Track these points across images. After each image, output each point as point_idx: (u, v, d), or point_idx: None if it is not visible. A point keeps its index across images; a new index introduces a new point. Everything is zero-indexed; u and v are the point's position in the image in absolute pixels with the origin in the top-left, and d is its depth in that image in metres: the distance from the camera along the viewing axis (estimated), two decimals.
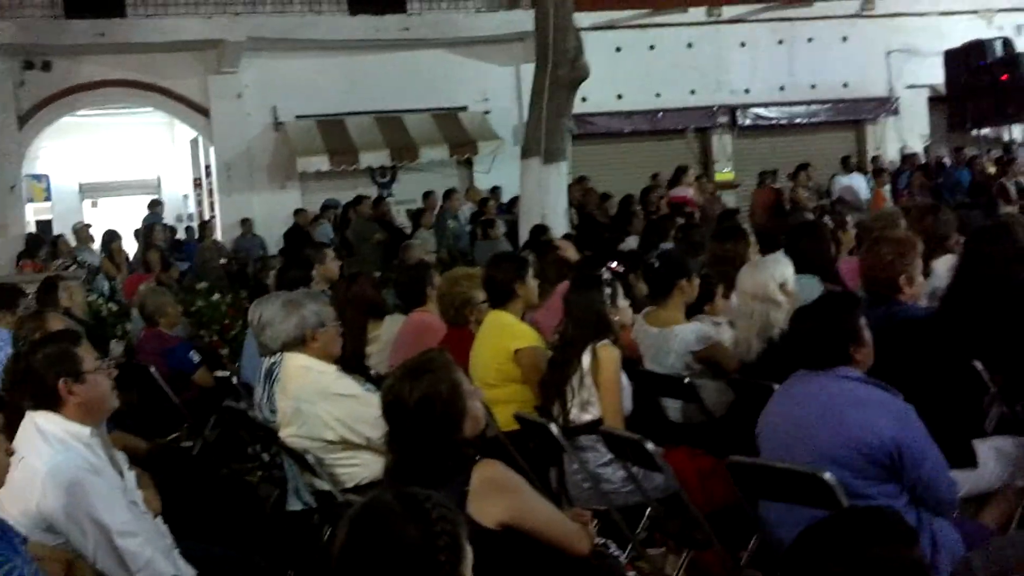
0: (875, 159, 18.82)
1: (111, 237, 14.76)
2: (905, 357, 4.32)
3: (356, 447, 4.67)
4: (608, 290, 5.00)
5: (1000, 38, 16.03)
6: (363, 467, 4.65)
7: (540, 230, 10.90)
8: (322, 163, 17.12)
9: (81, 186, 20.54)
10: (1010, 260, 5.10)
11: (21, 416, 3.56)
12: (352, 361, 5.42)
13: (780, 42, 19.88)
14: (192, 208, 20.54)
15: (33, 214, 19.09)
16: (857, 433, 3.60)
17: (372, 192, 17.23)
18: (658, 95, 19.19)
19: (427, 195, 16.24)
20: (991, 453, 4.42)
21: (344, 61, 17.48)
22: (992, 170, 15.75)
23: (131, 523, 3.47)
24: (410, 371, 3.29)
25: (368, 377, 5.55)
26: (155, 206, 17.52)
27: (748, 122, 19.94)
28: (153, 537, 3.60)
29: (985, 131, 17.28)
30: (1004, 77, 14.90)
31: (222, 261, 15.45)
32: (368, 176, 18.02)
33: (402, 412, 3.22)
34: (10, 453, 3.08)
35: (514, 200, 14.50)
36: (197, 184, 20.02)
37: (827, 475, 3.47)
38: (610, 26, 18.48)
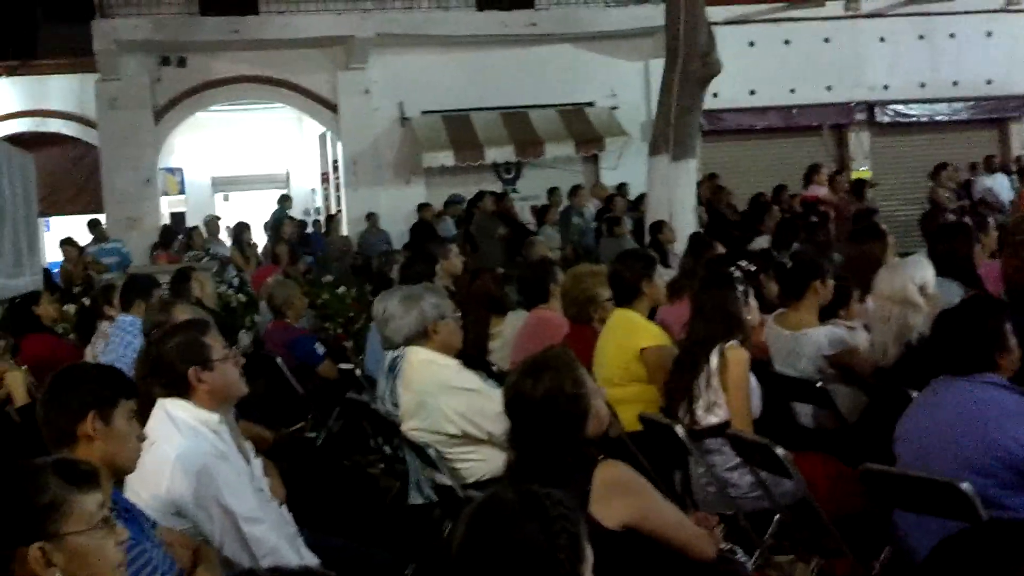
0: (1019, 159, 18.14)
1: (241, 230, 15.09)
2: None
3: (477, 442, 4.66)
4: (739, 289, 4.88)
5: None
6: (484, 462, 4.62)
7: (658, 226, 10.78)
8: (447, 158, 17.26)
9: (213, 180, 21.08)
10: None
11: (152, 403, 3.62)
12: (474, 356, 5.41)
13: (921, 37, 19.32)
14: (319, 202, 20.92)
15: (167, 207, 19.70)
16: (1001, 441, 3.49)
17: (497, 188, 17.28)
18: (792, 91, 18.81)
19: (552, 191, 16.22)
20: None
21: (470, 56, 17.57)
22: None
23: (257, 510, 3.51)
24: (533, 367, 3.26)
25: (490, 372, 5.52)
26: (284, 201, 17.89)
27: (887, 119, 19.44)
28: (278, 524, 3.64)
29: None
30: None
31: (349, 255, 15.66)
32: (493, 172, 18.10)
33: (525, 408, 3.19)
34: (142, 439, 3.16)
35: (641, 197, 14.36)
36: (324, 179, 20.39)
37: (965, 485, 3.35)
38: (743, 20, 18.19)
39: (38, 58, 18.99)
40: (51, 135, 18.84)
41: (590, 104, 18.23)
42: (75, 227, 16.96)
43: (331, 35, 17.07)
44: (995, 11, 19.45)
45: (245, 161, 20.69)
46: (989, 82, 19.50)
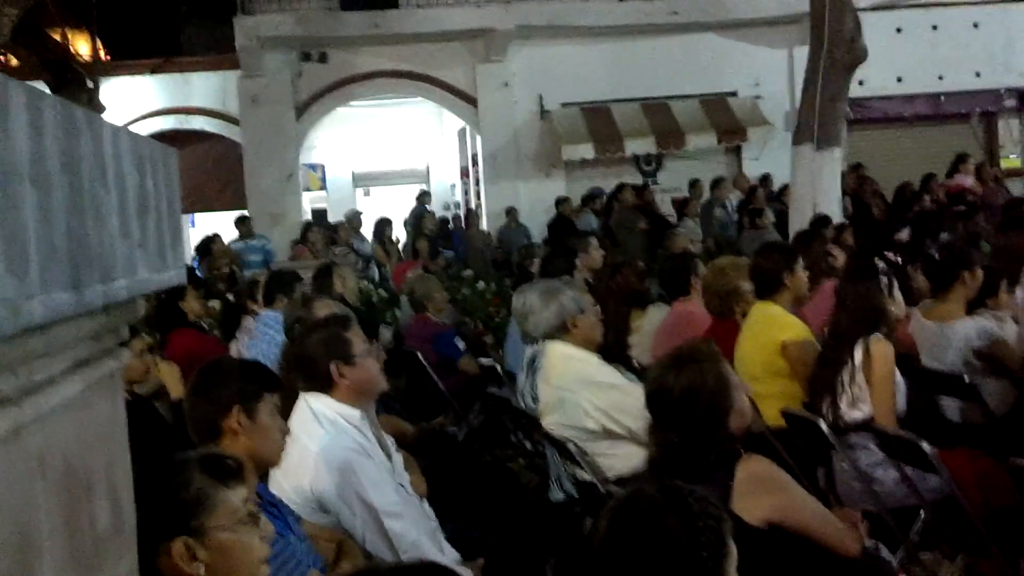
0: None
1: (383, 225, 15.24)
2: None
3: (618, 438, 4.64)
4: (885, 281, 4.81)
5: None
6: (625, 459, 4.58)
7: (822, 221, 10.50)
8: (587, 151, 17.23)
9: (354, 175, 21.38)
10: None
11: (295, 397, 3.69)
12: (615, 350, 5.38)
13: None
14: (459, 197, 21.07)
15: (309, 203, 19.98)
16: None
17: (637, 180, 17.18)
18: (941, 78, 18.26)
19: (693, 183, 16.06)
20: None
21: (611, 47, 17.51)
22: None
23: (398, 505, 3.53)
24: (675, 361, 3.24)
25: (630, 367, 5.48)
26: (423, 196, 17.97)
27: None
28: (419, 519, 3.66)
29: None
30: None
31: (489, 250, 15.75)
32: (633, 164, 18.02)
33: (666, 403, 3.17)
34: (286, 433, 3.20)
35: (784, 188, 14.10)
36: (464, 173, 20.55)
37: None
38: (890, 6, 17.68)
39: (181, 55, 19.49)
40: (194, 132, 19.14)
41: (733, 94, 18.01)
42: (220, 224, 17.28)
43: (471, 28, 17.19)
44: None
45: (385, 156, 20.96)
46: None
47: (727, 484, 3.04)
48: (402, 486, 3.74)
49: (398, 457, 3.89)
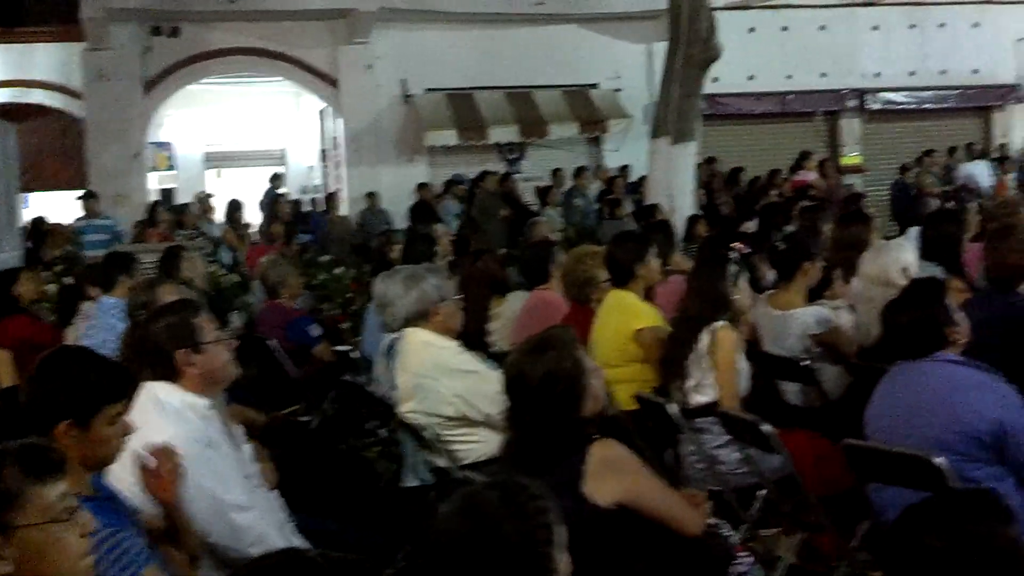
0: (1000, 147, 18.34)
1: (235, 207, 14.73)
2: (1019, 345, 4.37)
3: (474, 423, 4.64)
4: (733, 270, 5.01)
5: None
6: (481, 444, 4.60)
7: (650, 210, 10.82)
8: (450, 137, 17.20)
9: (206, 155, 20.71)
10: None
11: (137, 387, 3.55)
12: (473, 337, 5.39)
13: (912, 26, 19.45)
14: (318, 180, 20.66)
15: (156, 183, 19.19)
16: (963, 416, 3.62)
17: (500, 168, 17.25)
18: (789, 77, 18.87)
19: (555, 172, 16.22)
20: None
21: (476, 34, 17.50)
22: None
23: (245, 497, 3.46)
24: (534, 347, 3.30)
25: (489, 353, 5.51)
26: (275, 179, 17.43)
27: (877, 106, 19.57)
28: (267, 512, 3.58)
29: None
30: None
31: (348, 234, 15.53)
32: (496, 152, 18.05)
33: (524, 388, 3.24)
34: (127, 434, 3.02)
35: (642, 179, 14.37)
36: (324, 156, 20.19)
37: (938, 459, 3.49)
38: (744, 6, 18.17)
39: (23, 25, 18.16)
40: (34, 107, 18.10)
41: (594, 86, 18.22)
42: (57, 203, 16.39)
43: (333, 8, 16.81)
44: (982, 2, 19.58)
45: (240, 136, 20.43)
46: (975, 71, 19.64)
47: (579, 467, 3.12)
48: (250, 477, 3.63)
49: (248, 447, 3.77)
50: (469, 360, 4.80)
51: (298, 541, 3.59)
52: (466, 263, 7.65)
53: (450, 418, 4.65)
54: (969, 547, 1.99)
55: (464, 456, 4.65)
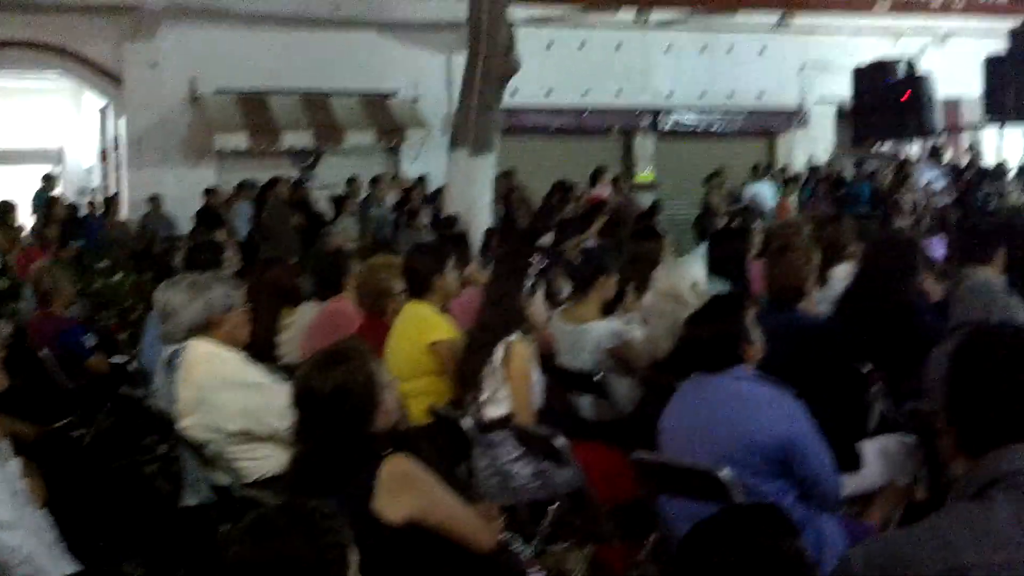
0: (783, 168, 19.29)
1: (6, 208, 13.88)
2: (802, 362, 4.48)
3: (260, 439, 4.44)
4: (529, 283, 5.04)
5: (904, 59, 16.46)
6: (267, 460, 4.41)
7: (450, 221, 10.84)
8: (241, 141, 16.67)
9: None
10: (902, 273, 5.41)
11: None
12: (261, 349, 5.22)
13: (702, 50, 20.16)
14: (97, 182, 19.69)
15: None
16: (752, 431, 3.70)
17: (294, 174, 16.87)
18: (586, 94, 19.25)
19: (351, 181, 16.00)
20: (876, 454, 4.57)
21: (271, 36, 17.09)
22: (890, 183, 16.26)
23: (11, 515, 3.30)
24: (326, 360, 3.23)
25: (277, 366, 5.34)
26: (48, 180, 16.51)
27: (669, 126, 20.19)
28: (36, 530, 3.45)
29: (885, 147, 17.72)
30: (905, 96, 15.35)
31: (128, 240, 14.90)
32: (290, 158, 17.65)
33: (314, 402, 3.16)
34: None
35: (440, 190, 14.34)
36: (104, 156, 19.27)
37: (723, 473, 3.55)
38: (543, 21, 18.42)
39: None
40: None
41: (392, 94, 18.11)
42: None
43: (117, 3, 16.14)
44: (768, 30, 20.42)
45: (11, 133, 19.28)
46: (760, 96, 20.51)
47: (369, 484, 3.06)
48: (17, 494, 3.48)
49: (14, 463, 3.63)
50: (256, 373, 4.63)
51: (67, 562, 3.38)
52: (255, 272, 7.40)
53: (234, 433, 4.43)
54: (753, 560, 2.01)
55: (248, 473, 4.45)
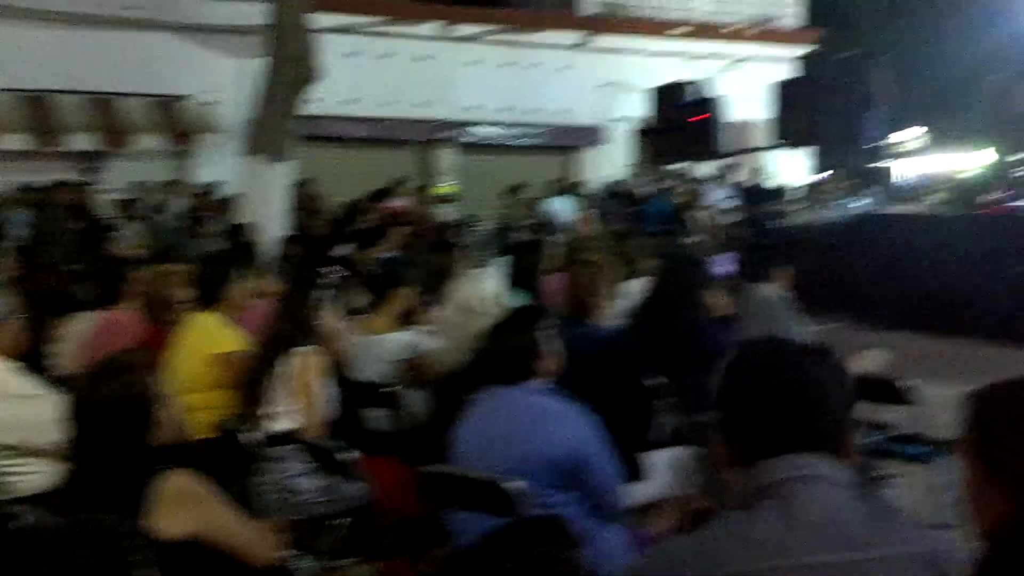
0: (582, 184, 19.72)
1: None
2: (594, 374, 4.56)
3: (31, 453, 4.26)
4: (322, 294, 5.06)
5: (699, 81, 17.11)
6: (38, 475, 4.21)
7: (243, 229, 10.60)
8: (21, 142, 15.89)
9: None
10: (691, 289, 5.59)
11: None
12: (35, 359, 4.93)
13: (507, 65, 20.40)
14: None
15: None
16: (542, 445, 3.73)
17: (77, 177, 16.09)
18: (389, 104, 19.19)
19: (138, 185, 15.38)
20: (663, 464, 4.70)
21: (56, 34, 16.30)
22: (683, 202, 16.81)
23: None
24: (102, 371, 3.12)
25: (51, 377, 5.07)
26: None
27: (471, 139, 20.35)
28: None
29: (679, 165, 18.34)
30: (698, 118, 15.92)
31: None
32: (73, 160, 16.84)
33: (90, 415, 3.04)
34: None
35: (233, 197, 13.98)
36: None
37: (512, 485, 3.56)
38: (347, 30, 18.26)
39: None
40: None
41: (186, 97, 17.56)
42: None
43: None
44: (570, 48, 20.91)
45: None
46: (562, 112, 20.92)
47: (146, 500, 2.96)
48: None
49: None
50: (25, 384, 4.41)
51: None
52: (30, 278, 7.03)
53: (4, 446, 4.22)
54: (534, 571, 2.02)
55: (17, 488, 4.22)
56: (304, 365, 4.78)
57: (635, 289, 6.44)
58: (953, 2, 28.62)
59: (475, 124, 20.29)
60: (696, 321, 5.46)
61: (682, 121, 16.11)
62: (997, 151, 12.70)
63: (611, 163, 21.30)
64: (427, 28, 19.51)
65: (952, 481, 2.27)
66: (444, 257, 6.61)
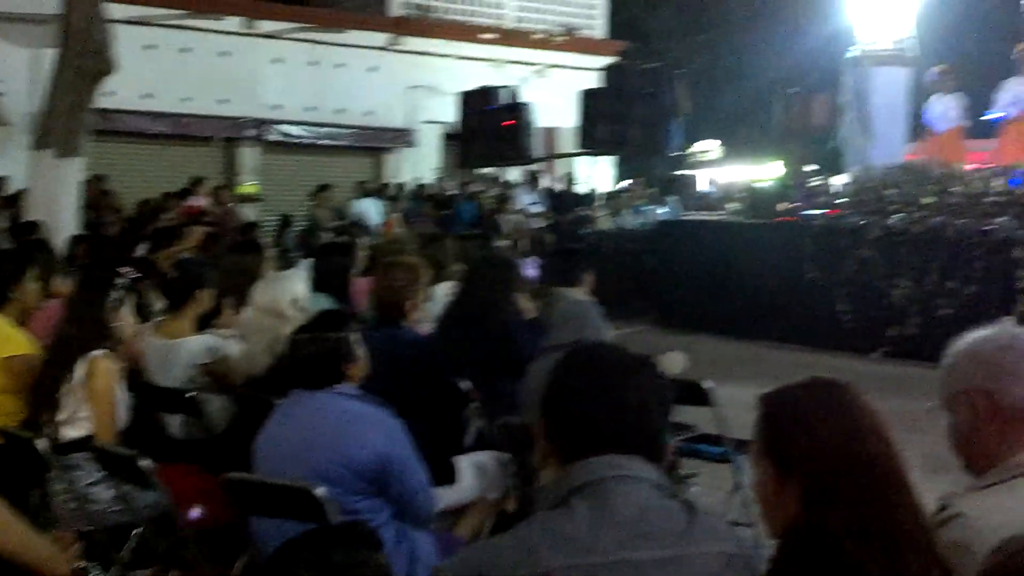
0: (390, 186, 19.67)
1: None
2: (403, 378, 4.57)
3: None
4: (116, 296, 4.82)
5: (508, 87, 17.29)
6: None
7: (31, 226, 10.08)
8: None
9: None
10: (501, 292, 5.61)
11: None
12: None
13: (312, 63, 20.16)
14: None
15: None
16: (350, 449, 3.70)
17: None
18: (189, 100, 18.59)
19: None
20: (469, 468, 4.72)
21: None
22: (491, 206, 17.02)
23: None
24: None
25: None
26: None
27: (276, 138, 19.95)
28: None
29: (488, 170, 18.52)
30: (507, 123, 16.04)
31: None
32: None
33: None
34: None
35: (21, 193, 13.25)
36: None
37: (319, 491, 3.52)
38: (143, 22, 17.62)
39: None
40: None
41: None
42: None
43: None
44: (379, 48, 20.84)
45: None
46: (370, 113, 20.83)
47: None
48: None
49: None
50: None
51: None
52: None
53: None
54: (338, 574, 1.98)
55: None
56: (97, 370, 4.59)
57: (444, 292, 6.43)
58: (750, 21, 30.01)
59: (280, 123, 19.92)
60: (506, 325, 5.48)
61: (492, 126, 16.21)
62: (786, 164, 13.29)
63: (420, 166, 21.38)
64: (230, 23, 19.04)
65: (750, 480, 2.35)
66: (246, 258, 6.41)
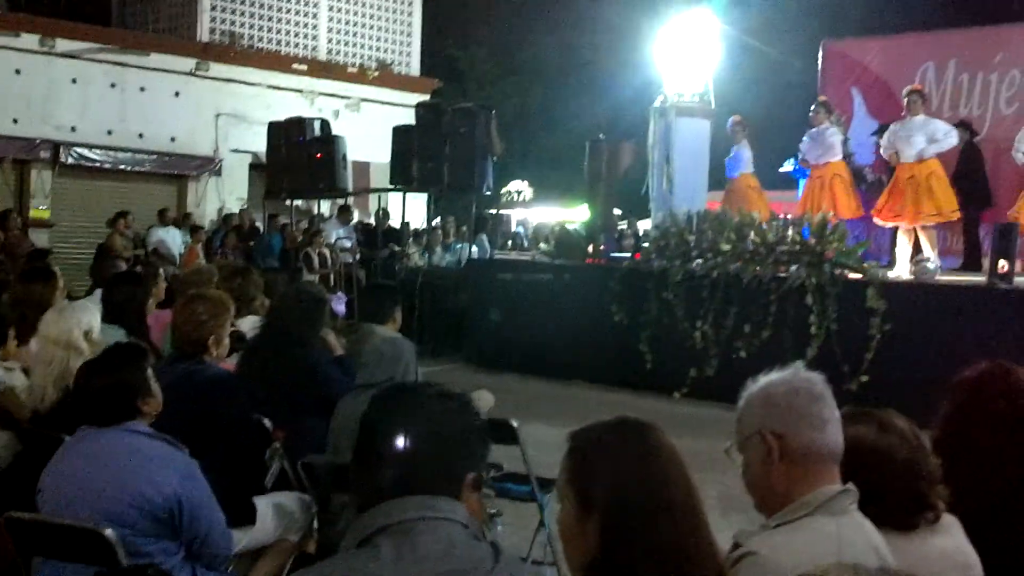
0: (193, 216, 19.16)
1: None
2: (201, 414, 4.45)
3: None
4: None
5: (319, 119, 17.16)
6: None
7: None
8: None
9: None
10: (308, 327, 5.52)
11: None
12: None
13: (113, 86, 19.56)
14: None
15: None
16: (141, 489, 3.57)
17: None
18: None
19: None
20: (269, 509, 4.60)
21: None
22: (300, 239, 16.76)
23: None
24: None
25: None
26: None
27: (71, 161, 19.11)
28: None
29: (298, 202, 18.29)
30: (319, 155, 15.92)
31: None
32: None
33: None
34: None
35: None
36: None
37: (108, 532, 3.40)
38: None
39: None
40: None
41: None
42: None
43: None
44: (185, 74, 20.39)
45: None
46: (173, 139, 20.32)
47: None
48: None
49: None
50: None
51: None
52: None
53: None
54: None
55: None
56: None
57: (248, 326, 6.26)
58: (565, 67, 30.76)
59: (77, 145, 19.13)
60: (313, 361, 5.39)
61: (303, 157, 16.03)
62: (593, 207, 13.59)
63: (226, 195, 20.93)
64: (26, 40, 18.31)
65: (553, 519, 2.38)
66: (36, 287, 6.07)
